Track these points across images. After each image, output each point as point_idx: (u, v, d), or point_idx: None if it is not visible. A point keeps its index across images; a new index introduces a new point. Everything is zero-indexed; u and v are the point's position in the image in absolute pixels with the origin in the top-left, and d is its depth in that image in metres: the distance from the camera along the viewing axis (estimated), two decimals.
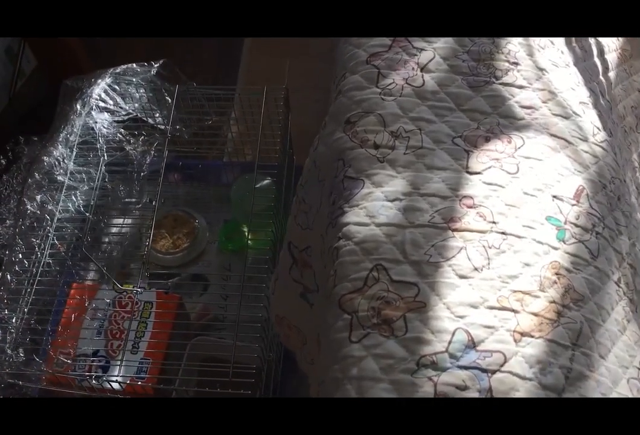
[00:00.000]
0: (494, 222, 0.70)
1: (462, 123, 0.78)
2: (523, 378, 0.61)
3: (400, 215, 0.71)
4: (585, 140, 0.79)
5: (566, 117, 0.80)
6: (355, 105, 0.80)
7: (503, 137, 0.77)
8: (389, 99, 0.79)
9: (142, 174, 1.19)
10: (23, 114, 1.65)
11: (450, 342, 0.63)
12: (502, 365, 0.62)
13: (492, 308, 0.65)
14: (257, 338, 1.09)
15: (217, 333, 1.31)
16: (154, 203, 1.19)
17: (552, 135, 0.78)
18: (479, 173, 0.74)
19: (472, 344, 0.63)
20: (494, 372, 0.61)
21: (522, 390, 0.61)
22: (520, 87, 0.81)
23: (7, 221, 1.22)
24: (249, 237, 1.40)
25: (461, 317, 0.65)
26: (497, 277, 0.67)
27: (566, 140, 0.78)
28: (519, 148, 0.76)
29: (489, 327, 0.64)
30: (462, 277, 0.67)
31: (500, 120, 0.78)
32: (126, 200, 1.19)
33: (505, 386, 0.61)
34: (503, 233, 0.70)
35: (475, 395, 0.60)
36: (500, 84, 0.81)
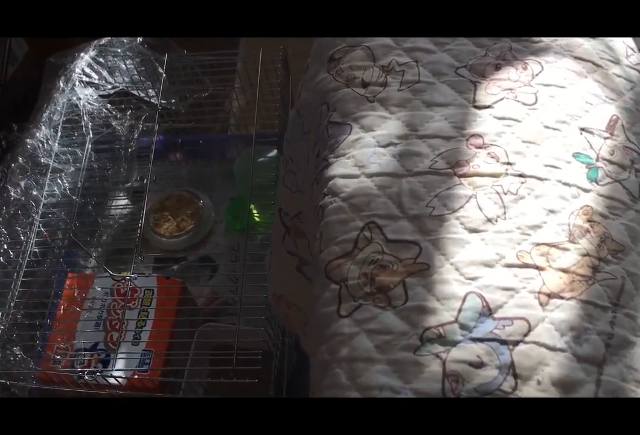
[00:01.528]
0: (509, 164, 0.58)
1: (466, 51, 0.65)
2: (553, 349, 0.49)
3: (395, 162, 0.59)
4: (617, 62, 0.66)
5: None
6: (339, 40, 0.68)
7: (517, 64, 0.64)
8: None
9: (129, 150, 1.09)
10: (17, 101, 1.56)
11: (460, 310, 0.51)
12: (526, 335, 0.50)
13: (510, 266, 0.53)
14: (265, 321, 0.99)
15: (228, 318, 1.21)
16: (145, 181, 1.09)
17: (577, 58, 0.64)
18: (488, 107, 0.61)
19: (487, 311, 0.51)
20: (516, 343, 0.49)
21: (553, 364, 0.48)
22: None
23: None
24: (255, 213, 1.29)
25: (473, 279, 0.53)
26: (515, 229, 0.55)
27: (594, 63, 0.64)
28: (536, 75, 0.63)
29: (507, 289, 0.52)
30: (472, 231, 0.55)
31: (512, 44, 0.65)
32: (114, 180, 1.09)
33: (531, 360, 0.49)
34: (521, 175, 0.57)
35: (494, 373, 0.48)
36: None
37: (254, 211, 1.29)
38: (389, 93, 0.63)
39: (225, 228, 1.32)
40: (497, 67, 0.63)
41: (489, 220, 0.55)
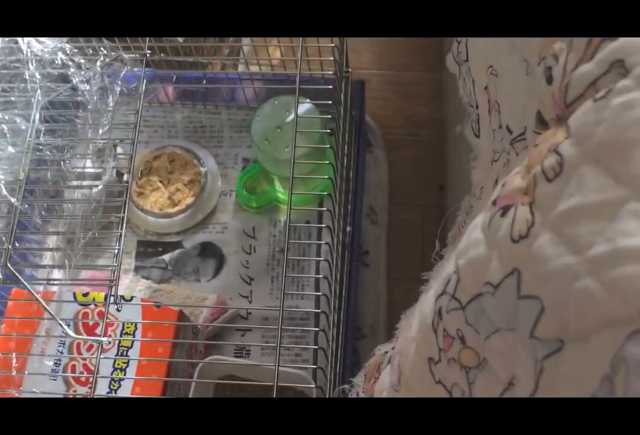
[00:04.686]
0: None
1: None
2: None
3: None
4: None
5: None
6: None
7: None
8: None
9: (100, 129, 0.69)
10: None
11: None
12: None
13: None
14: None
15: (238, 339, 0.89)
16: (125, 177, 0.71)
17: None
18: None
19: None
20: None
21: None
22: None
23: None
24: (279, 189, 0.94)
25: None
26: None
27: None
28: None
29: None
30: None
31: None
32: (74, 170, 0.70)
33: None
34: None
35: None
36: None
37: (276, 184, 0.93)
38: None
39: (235, 203, 0.96)
40: None
41: None
